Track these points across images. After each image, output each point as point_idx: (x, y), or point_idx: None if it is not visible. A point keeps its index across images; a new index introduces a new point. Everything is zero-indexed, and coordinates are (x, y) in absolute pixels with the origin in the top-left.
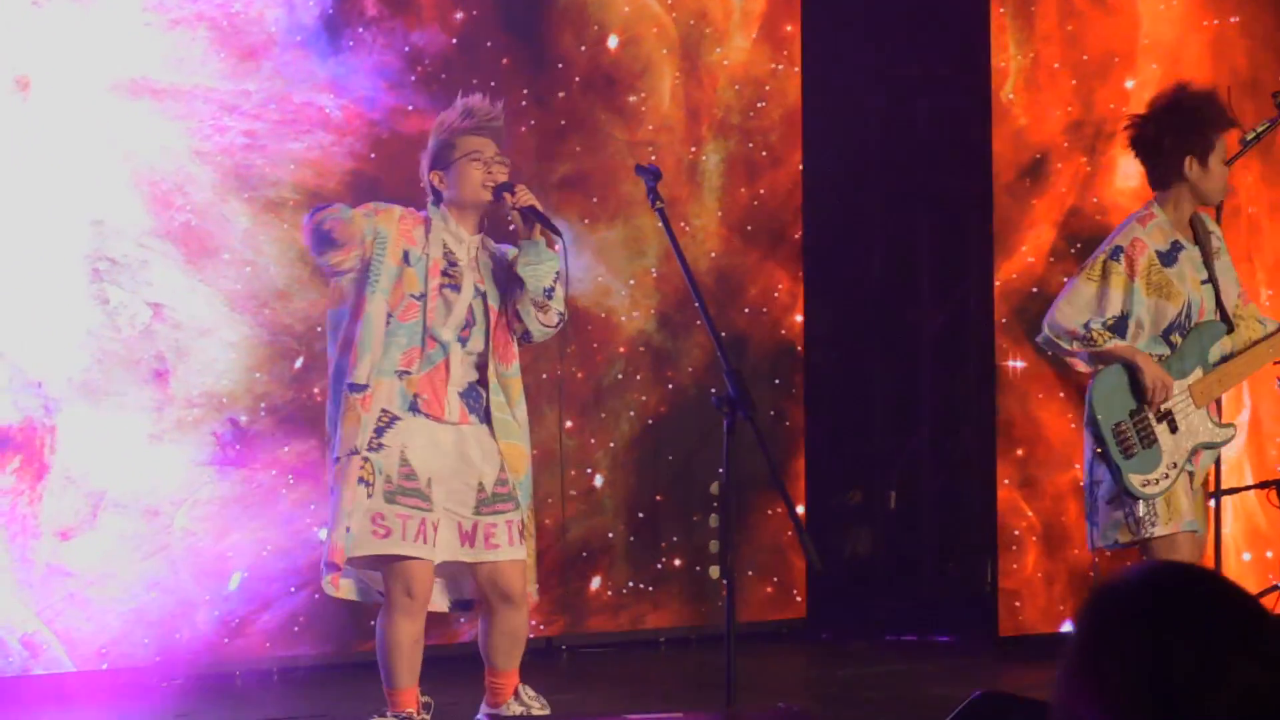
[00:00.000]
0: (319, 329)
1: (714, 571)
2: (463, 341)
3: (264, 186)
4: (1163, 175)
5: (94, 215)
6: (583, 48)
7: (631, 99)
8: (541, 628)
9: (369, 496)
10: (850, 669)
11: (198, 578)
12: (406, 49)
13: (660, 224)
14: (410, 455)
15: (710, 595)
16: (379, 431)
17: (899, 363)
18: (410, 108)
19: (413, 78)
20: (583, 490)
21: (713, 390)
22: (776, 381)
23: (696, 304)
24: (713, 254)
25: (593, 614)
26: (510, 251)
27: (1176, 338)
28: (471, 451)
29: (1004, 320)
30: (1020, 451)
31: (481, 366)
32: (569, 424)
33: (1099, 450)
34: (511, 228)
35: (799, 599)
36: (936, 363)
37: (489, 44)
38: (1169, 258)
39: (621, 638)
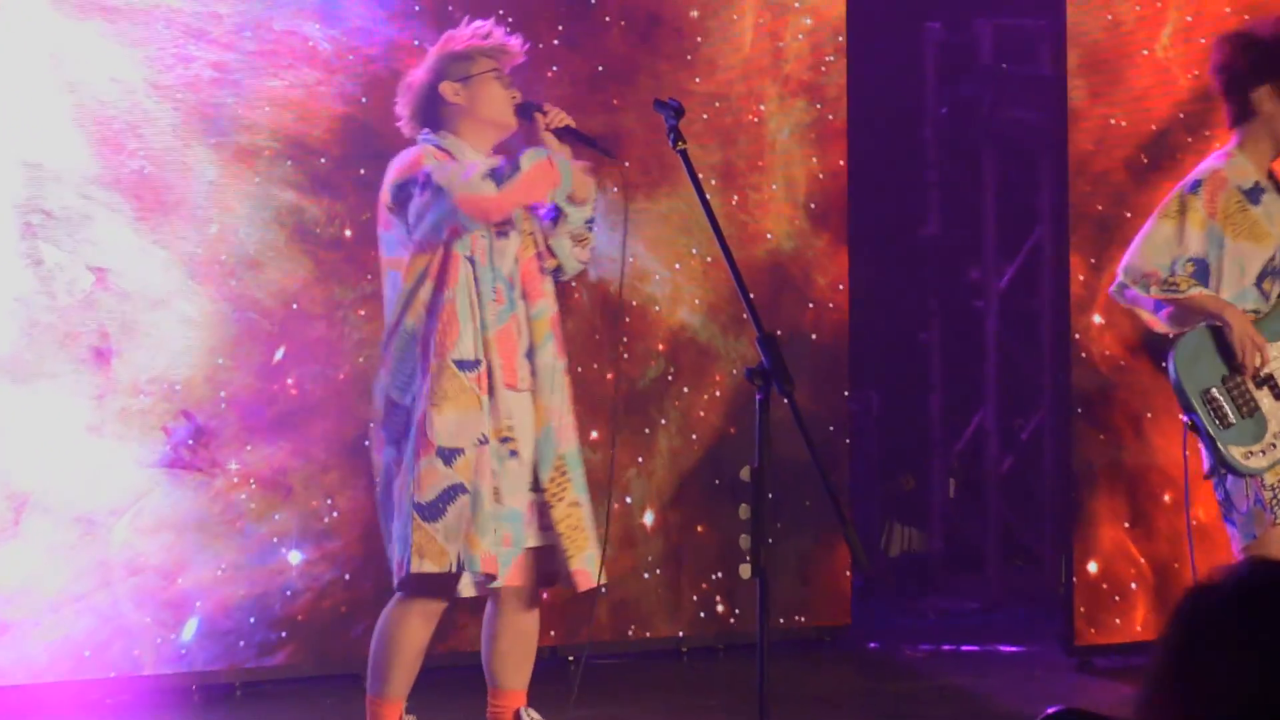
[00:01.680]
0: (295, 306)
1: (744, 570)
2: (510, 287)
3: (235, 130)
4: (1238, 110)
5: (27, 157)
6: None
7: (689, 41)
8: (551, 634)
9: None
10: (902, 682)
11: (140, 604)
12: None
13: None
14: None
15: (740, 597)
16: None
17: (960, 328)
18: (416, 43)
19: (418, 7)
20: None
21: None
22: (847, 395)
23: (721, 249)
24: (769, 235)
25: (603, 620)
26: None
27: (1270, 285)
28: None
29: (1101, 321)
30: (1131, 484)
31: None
32: (593, 434)
33: (1189, 422)
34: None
35: (843, 602)
36: (1004, 327)
37: None
38: (1254, 196)
39: (636, 647)
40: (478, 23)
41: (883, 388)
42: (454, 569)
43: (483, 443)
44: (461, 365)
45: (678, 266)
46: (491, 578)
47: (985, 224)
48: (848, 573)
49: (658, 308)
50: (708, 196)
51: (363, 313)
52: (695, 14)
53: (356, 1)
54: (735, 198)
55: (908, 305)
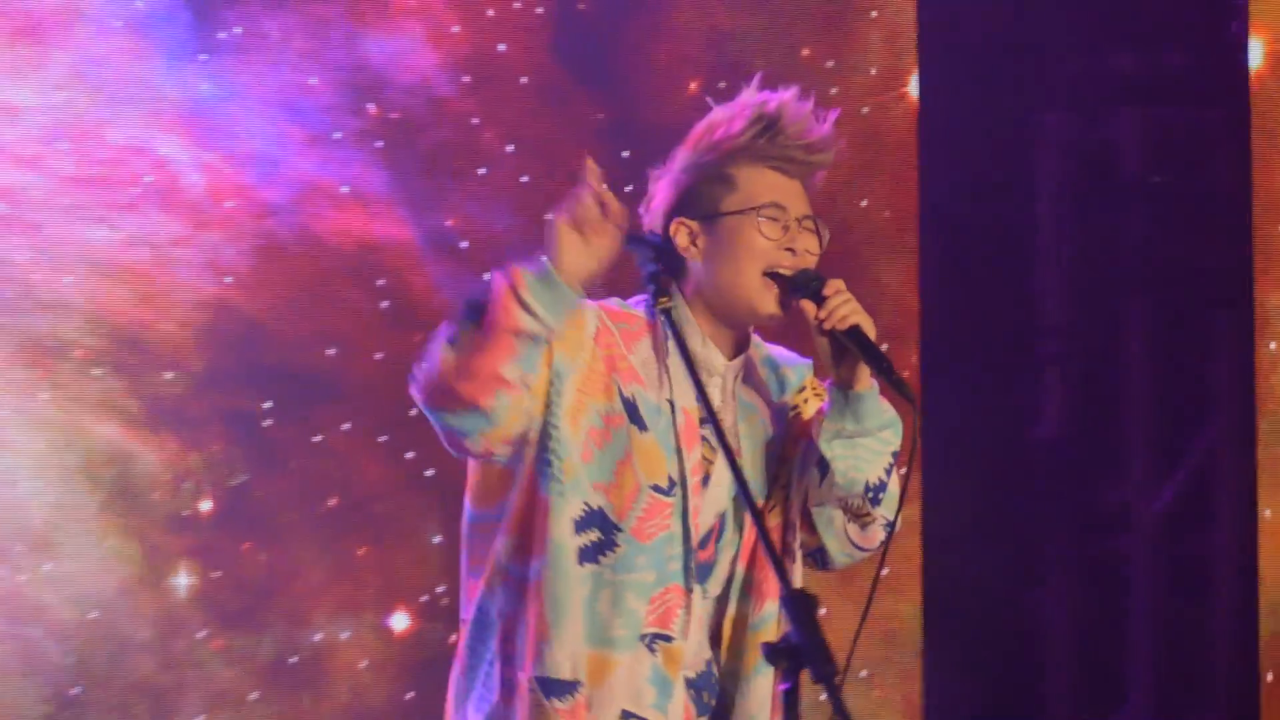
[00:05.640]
0: (96, 616)
1: None
2: (702, 576)
3: (25, 310)
4: None
5: None
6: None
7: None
8: None
9: None
10: None
11: None
12: (353, 65)
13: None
14: None
15: None
16: None
17: (1091, 581)
18: (343, 189)
19: (339, 134)
20: None
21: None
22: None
23: (739, 492)
24: None
25: None
26: (795, 372)
27: None
28: None
29: None
30: None
31: (719, 618)
32: None
33: None
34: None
35: None
36: (1158, 580)
37: (524, 79)
38: None
39: None
40: (757, 99)
41: (976, 674)
42: None
43: None
44: (549, 688)
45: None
46: None
47: (1129, 419)
48: None
49: None
50: None
51: (221, 646)
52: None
53: (254, 109)
54: None
55: (1010, 546)
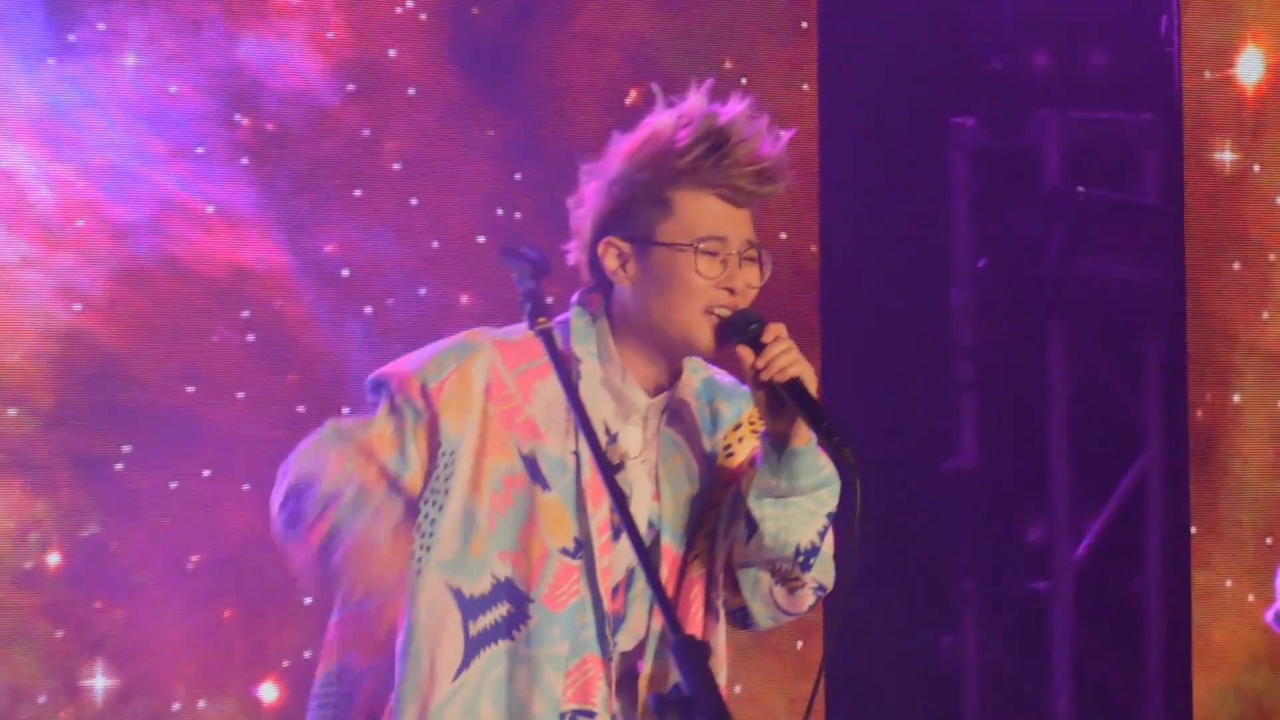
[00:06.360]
0: None
1: None
2: (612, 629)
3: None
4: None
5: None
6: None
7: None
8: None
9: None
10: None
11: None
12: (224, 70)
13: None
14: None
15: None
16: None
17: (1009, 625)
18: (210, 209)
19: (202, 148)
20: None
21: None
22: None
23: (633, 545)
24: None
25: None
26: (731, 406)
27: None
28: None
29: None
30: None
31: (632, 676)
32: None
33: None
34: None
35: None
36: (1083, 625)
37: (412, 89)
38: None
39: None
40: (700, 110)
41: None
42: None
43: None
44: None
45: None
46: None
47: (1052, 451)
48: None
49: None
50: None
51: (69, 716)
52: None
53: (111, 118)
54: None
55: (923, 587)
